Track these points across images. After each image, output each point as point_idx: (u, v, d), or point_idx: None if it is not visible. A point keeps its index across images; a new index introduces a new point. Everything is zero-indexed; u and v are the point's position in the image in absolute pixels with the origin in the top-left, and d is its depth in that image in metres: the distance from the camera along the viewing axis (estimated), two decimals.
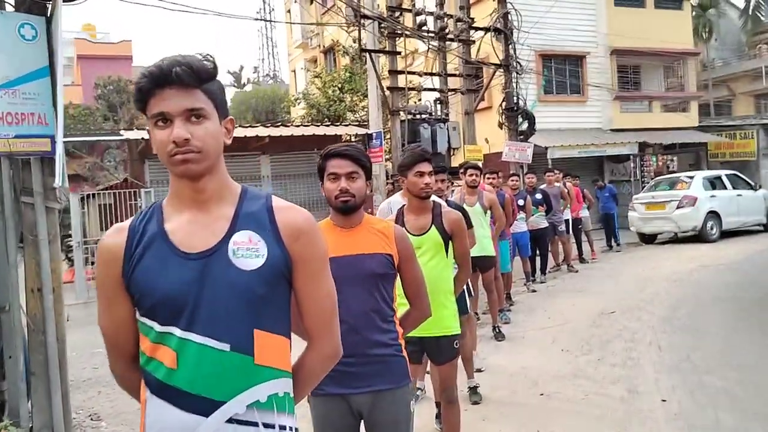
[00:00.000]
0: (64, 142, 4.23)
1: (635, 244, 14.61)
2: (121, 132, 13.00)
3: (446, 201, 4.67)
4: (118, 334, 1.46)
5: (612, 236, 13.80)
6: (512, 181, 9.37)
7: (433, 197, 3.98)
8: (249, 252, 1.39)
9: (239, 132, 12.57)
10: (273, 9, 52.31)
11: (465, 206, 6.45)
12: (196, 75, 1.36)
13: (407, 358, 2.47)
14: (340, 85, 16.40)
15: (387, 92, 11.91)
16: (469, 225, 5.27)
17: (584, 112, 19.23)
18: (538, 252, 10.16)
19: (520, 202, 9.23)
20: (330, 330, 1.54)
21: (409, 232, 3.20)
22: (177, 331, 1.36)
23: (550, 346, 6.29)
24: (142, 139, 12.06)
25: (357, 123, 14.61)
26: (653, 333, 6.46)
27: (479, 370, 5.43)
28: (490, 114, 16.70)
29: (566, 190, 11.36)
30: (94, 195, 13.27)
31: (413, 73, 12.64)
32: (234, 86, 43.86)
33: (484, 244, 6.52)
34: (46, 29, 4.40)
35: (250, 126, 13.88)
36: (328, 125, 13.93)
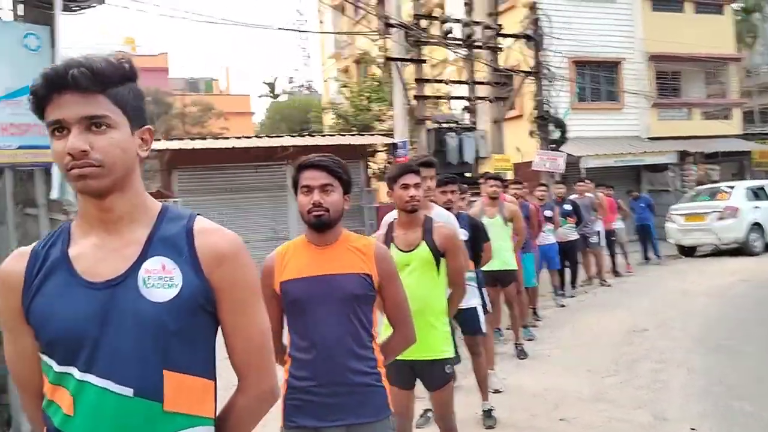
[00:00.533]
0: None
1: (674, 257, 14.05)
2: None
3: (458, 214, 4.47)
4: (24, 370, 1.29)
5: (649, 248, 13.28)
6: (539, 191, 9.07)
7: (438, 210, 3.81)
8: (161, 281, 1.22)
9: (264, 142, 12.58)
10: (306, 20, 52.80)
11: (484, 218, 6.26)
12: (98, 78, 1.18)
13: (388, 388, 2.27)
14: (367, 95, 16.31)
15: (413, 101, 11.73)
16: (486, 238, 5.05)
17: (620, 120, 18.70)
18: (567, 265, 9.82)
19: (548, 213, 8.93)
20: (261, 369, 1.34)
21: (398, 247, 3.05)
22: (75, 373, 1.18)
23: (575, 366, 5.97)
24: (167, 149, 12.14)
25: (383, 133, 14.48)
26: (685, 353, 6.10)
27: (497, 391, 5.18)
28: (520, 123, 16.38)
29: (599, 201, 10.99)
30: None
31: (440, 81, 12.46)
32: (270, 96, 44.28)
33: (505, 258, 6.28)
34: (51, 39, 4.37)
35: (276, 136, 13.87)
36: (354, 135, 13.84)
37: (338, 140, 12.86)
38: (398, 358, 2.51)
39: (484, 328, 4.57)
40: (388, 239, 3.12)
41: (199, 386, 1.26)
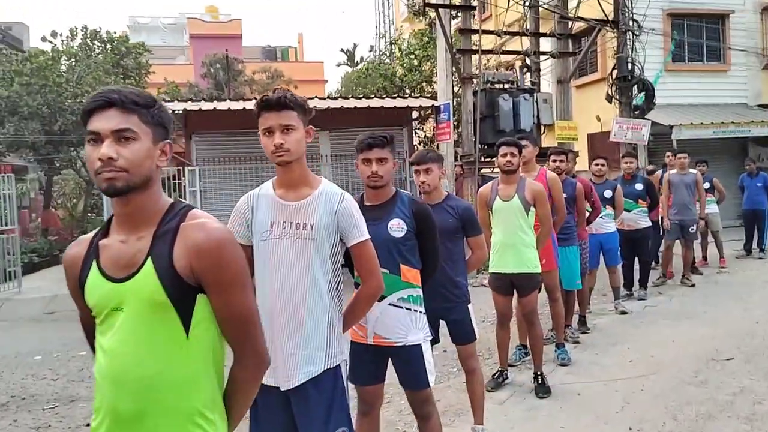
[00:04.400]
0: None
1: None
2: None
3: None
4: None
5: (757, 238, 10.75)
6: (596, 165, 7.05)
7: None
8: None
9: None
10: None
11: (498, 200, 4.53)
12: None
13: None
14: (416, 52, 14.38)
15: (457, 55, 9.82)
16: (477, 230, 3.52)
17: (725, 83, 15.81)
18: (637, 259, 7.77)
19: (607, 194, 6.93)
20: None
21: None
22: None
23: (615, 416, 4.14)
24: (183, 110, 10.89)
25: (431, 95, 12.64)
26: None
27: None
28: (602, 87, 14.00)
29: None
30: None
31: (489, 32, 10.43)
32: (347, 65, 42.86)
33: (523, 256, 4.50)
34: None
35: (307, 98, 12.32)
36: (395, 97, 12.06)
37: (373, 103, 11.12)
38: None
39: (430, 381, 2.90)
40: None
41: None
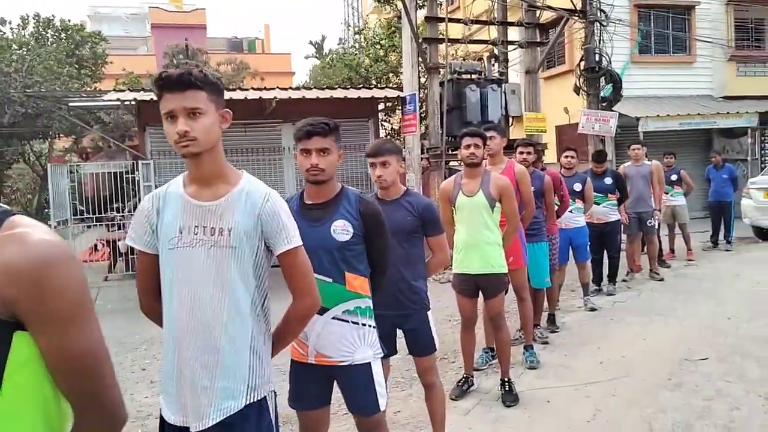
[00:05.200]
0: None
1: (748, 240, 11.44)
2: (111, 93, 11.27)
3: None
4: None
5: (722, 230, 10.67)
6: (566, 157, 6.80)
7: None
8: None
9: (245, 95, 10.62)
10: None
11: (461, 196, 4.23)
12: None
13: None
14: (381, 41, 13.99)
15: (423, 44, 9.48)
16: (438, 229, 3.19)
17: (690, 75, 15.77)
18: (607, 255, 7.57)
19: (577, 187, 6.69)
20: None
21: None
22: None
23: (587, 427, 3.87)
24: (135, 100, 10.34)
25: (397, 86, 12.28)
26: None
27: None
28: (569, 79, 13.83)
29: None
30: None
31: (456, 20, 10.11)
32: (315, 57, 42.21)
33: (489, 255, 4.20)
34: None
35: (264, 88, 11.85)
36: (359, 88, 11.69)
37: (336, 93, 10.72)
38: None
39: (381, 405, 2.55)
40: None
41: None
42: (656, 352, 5.21)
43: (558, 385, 4.56)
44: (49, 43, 18.40)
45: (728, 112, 14.49)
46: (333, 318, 2.48)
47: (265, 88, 11.66)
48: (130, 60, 30.19)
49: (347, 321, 2.49)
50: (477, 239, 4.18)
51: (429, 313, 3.30)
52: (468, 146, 4.18)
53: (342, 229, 2.48)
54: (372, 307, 2.58)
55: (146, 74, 26.82)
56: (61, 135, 17.78)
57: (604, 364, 4.97)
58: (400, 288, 3.20)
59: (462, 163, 4.36)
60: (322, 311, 2.44)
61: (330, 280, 2.47)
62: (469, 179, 4.25)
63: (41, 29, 18.44)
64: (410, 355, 3.43)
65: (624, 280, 8.09)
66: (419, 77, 9.88)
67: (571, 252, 6.79)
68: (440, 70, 9.85)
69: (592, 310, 6.73)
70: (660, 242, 9.04)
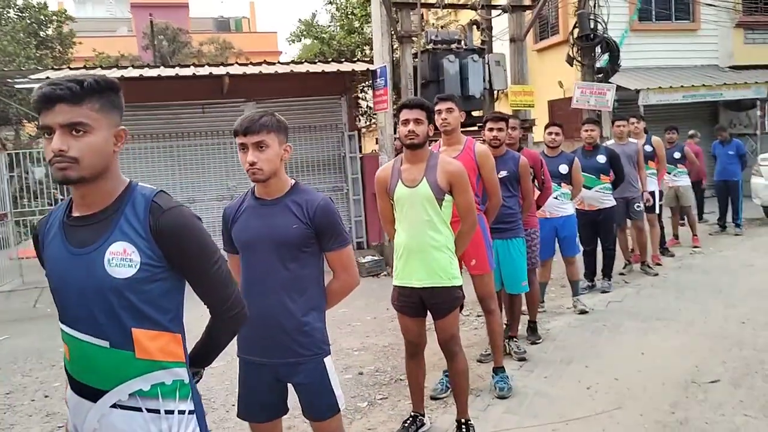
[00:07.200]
0: None
1: (759, 222, 10.45)
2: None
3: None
4: None
5: (730, 212, 9.66)
6: (550, 134, 5.78)
7: None
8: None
9: (201, 71, 9.58)
10: None
11: (401, 184, 3.25)
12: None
13: None
14: (355, 11, 12.85)
15: (394, 9, 8.39)
16: (340, 241, 2.22)
17: (694, 44, 14.67)
18: (601, 246, 6.58)
19: (563, 169, 5.69)
20: None
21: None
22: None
23: None
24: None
25: (370, 59, 11.21)
26: None
27: None
28: (563, 50, 12.73)
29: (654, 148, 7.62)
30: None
31: None
32: (303, 35, 40.96)
33: (435, 263, 3.23)
34: None
35: (221, 64, 10.75)
36: (329, 62, 10.61)
37: (297, 68, 9.64)
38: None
39: None
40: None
41: None
42: (656, 371, 4.24)
43: (533, 424, 3.59)
44: (12, 22, 17.27)
45: (735, 83, 13.40)
46: (114, 406, 1.50)
47: (222, 64, 10.57)
48: (107, 42, 29.00)
49: (139, 409, 1.52)
50: (420, 242, 3.19)
51: (328, 359, 2.31)
52: (406, 122, 3.19)
53: (122, 258, 1.49)
54: (187, 380, 1.60)
55: (120, 55, 25.65)
56: (24, 120, 16.73)
57: (592, 391, 4.00)
58: (283, 326, 2.22)
59: (402, 144, 3.35)
60: (96, 396, 1.48)
61: (105, 344, 1.49)
62: (411, 165, 3.26)
63: (2, 8, 17.31)
64: (305, 419, 2.45)
65: (621, 274, 7.11)
66: (391, 48, 8.81)
67: (557, 245, 5.81)
68: (414, 39, 8.78)
69: (583, 312, 5.74)
70: (662, 228, 8.05)
